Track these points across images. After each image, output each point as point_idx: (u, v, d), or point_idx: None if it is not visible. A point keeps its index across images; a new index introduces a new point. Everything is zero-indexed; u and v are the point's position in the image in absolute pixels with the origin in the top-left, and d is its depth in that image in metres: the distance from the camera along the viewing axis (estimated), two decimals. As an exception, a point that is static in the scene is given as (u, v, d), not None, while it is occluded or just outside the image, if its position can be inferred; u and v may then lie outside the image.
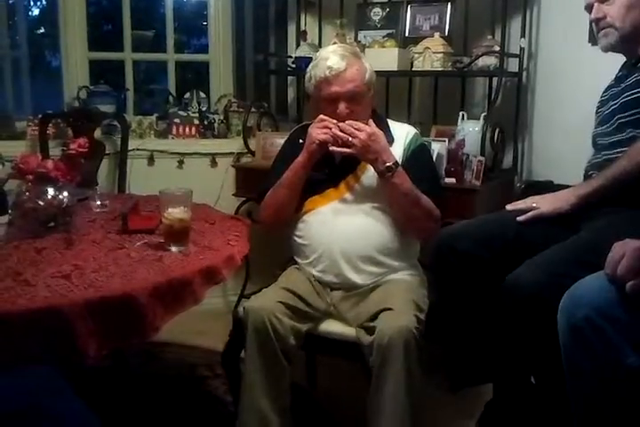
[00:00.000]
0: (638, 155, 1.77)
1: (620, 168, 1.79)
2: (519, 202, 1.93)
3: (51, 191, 1.97)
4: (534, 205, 1.87)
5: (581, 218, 1.82)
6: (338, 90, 2.09)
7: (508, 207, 1.93)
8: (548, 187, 2.12)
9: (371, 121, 2.10)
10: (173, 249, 1.82)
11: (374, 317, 1.95)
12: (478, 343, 1.80)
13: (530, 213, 1.85)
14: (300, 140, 2.22)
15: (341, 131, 2.05)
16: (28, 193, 1.98)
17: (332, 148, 2.08)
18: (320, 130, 2.08)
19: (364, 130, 2.03)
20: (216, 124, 3.42)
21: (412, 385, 1.84)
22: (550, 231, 1.81)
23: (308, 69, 2.18)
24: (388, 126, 2.22)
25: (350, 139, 2.03)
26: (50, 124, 3.21)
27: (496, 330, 1.78)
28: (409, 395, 1.84)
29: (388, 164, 2.04)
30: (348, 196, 2.17)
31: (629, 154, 1.79)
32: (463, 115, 2.79)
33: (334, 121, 2.08)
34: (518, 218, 1.84)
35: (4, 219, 1.89)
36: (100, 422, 1.49)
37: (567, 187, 1.95)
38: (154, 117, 3.43)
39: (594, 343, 1.24)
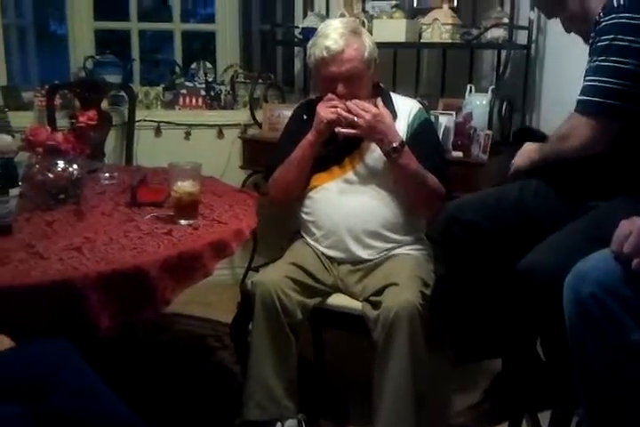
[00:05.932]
0: (559, 138, 1.78)
1: (550, 146, 1.83)
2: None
3: (61, 164, 1.99)
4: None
5: (585, 193, 1.82)
6: (335, 70, 2.06)
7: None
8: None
9: (379, 100, 2.08)
10: (182, 222, 1.84)
11: (380, 291, 1.97)
12: (485, 318, 1.81)
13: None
14: (305, 117, 2.22)
15: (348, 110, 2.04)
16: (38, 165, 1.99)
17: (337, 129, 2.06)
18: (328, 109, 2.06)
19: (370, 110, 2.02)
20: (222, 96, 3.40)
21: (416, 360, 1.87)
22: (552, 204, 1.81)
23: (308, 46, 2.16)
24: (392, 101, 2.20)
25: (356, 119, 2.02)
26: (57, 95, 3.19)
27: (505, 307, 1.79)
28: (413, 369, 1.86)
29: (394, 144, 2.03)
30: (352, 175, 2.16)
31: (556, 134, 1.81)
32: (471, 88, 2.77)
33: (342, 100, 2.06)
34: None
35: (15, 191, 1.89)
36: (113, 393, 1.52)
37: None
38: (160, 88, 3.42)
39: (598, 319, 1.25)
